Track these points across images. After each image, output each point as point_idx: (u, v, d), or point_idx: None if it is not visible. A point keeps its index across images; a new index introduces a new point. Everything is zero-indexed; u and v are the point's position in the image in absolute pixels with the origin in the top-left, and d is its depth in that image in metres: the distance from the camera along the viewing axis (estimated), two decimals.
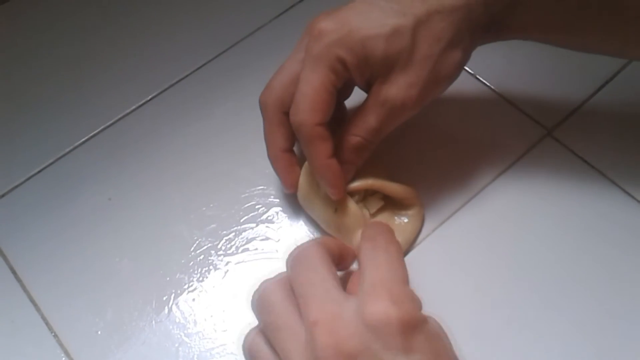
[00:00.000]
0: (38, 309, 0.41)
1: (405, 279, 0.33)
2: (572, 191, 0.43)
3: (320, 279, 0.32)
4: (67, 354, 0.40)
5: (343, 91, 0.40)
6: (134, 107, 0.50)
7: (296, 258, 0.34)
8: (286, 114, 0.38)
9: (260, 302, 0.33)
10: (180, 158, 0.47)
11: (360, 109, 0.38)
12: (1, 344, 0.40)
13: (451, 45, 0.36)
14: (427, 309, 0.32)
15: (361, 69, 0.36)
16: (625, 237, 0.41)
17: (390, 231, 0.37)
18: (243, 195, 0.45)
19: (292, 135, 0.40)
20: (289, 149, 0.41)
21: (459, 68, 0.38)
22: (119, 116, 0.49)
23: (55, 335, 0.40)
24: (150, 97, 0.50)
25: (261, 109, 0.40)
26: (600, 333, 0.38)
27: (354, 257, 0.38)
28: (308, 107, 0.36)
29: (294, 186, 0.41)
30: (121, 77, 0.51)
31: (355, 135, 0.38)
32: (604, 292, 0.39)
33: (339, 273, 0.35)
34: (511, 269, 0.40)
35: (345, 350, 0.29)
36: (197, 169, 0.46)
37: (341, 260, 0.37)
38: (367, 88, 0.38)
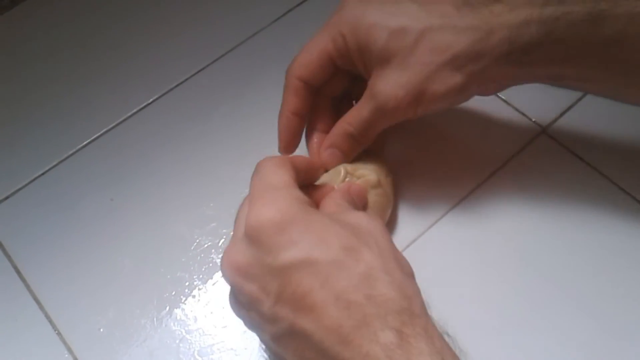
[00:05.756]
0: (42, 308, 0.42)
1: (277, 186, 0.33)
2: (567, 188, 0.43)
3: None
4: (70, 351, 0.40)
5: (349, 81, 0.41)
6: (135, 110, 0.51)
7: (256, 168, 0.35)
8: (303, 81, 0.40)
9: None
10: (180, 159, 0.48)
11: (360, 100, 0.39)
12: (6, 342, 0.41)
13: (454, 63, 0.36)
14: None
15: (361, 53, 0.37)
16: (621, 233, 0.41)
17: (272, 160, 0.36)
18: (242, 195, 0.45)
19: (305, 103, 0.40)
20: (298, 114, 0.41)
21: (457, 92, 0.37)
22: (121, 119, 0.50)
23: (59, 333, 0.41)
24: (151, 100, 0.51)
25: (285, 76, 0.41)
26: (595, 328, 0.38)
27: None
28: (298, 61, 0.39)
29: (287, 148, 0.41)
30: (122, 81, 0.52)
31: (347, 123, 0.39)
32: (599, 289, 0.39)
33: None
34: (505, 267, 0.41)
35: (236, 266, 0.31)
36: (197, 169, 0.47)
37: (308, 175, 0.37)
38: (368, 77, 0.38)
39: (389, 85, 0.37)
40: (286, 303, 0.30)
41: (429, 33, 0.36)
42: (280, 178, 0.33)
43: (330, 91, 0.42)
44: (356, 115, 0.39)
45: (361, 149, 0.41)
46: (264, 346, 0.39)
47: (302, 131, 0.42)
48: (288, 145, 0.41)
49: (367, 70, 0.38)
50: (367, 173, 0.40)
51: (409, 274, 0.32)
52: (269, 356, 0.39)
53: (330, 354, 0.29)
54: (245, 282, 0.31)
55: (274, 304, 0.30)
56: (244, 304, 0.32)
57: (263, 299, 0.31)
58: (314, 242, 0.30)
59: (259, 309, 0.31)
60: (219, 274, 0.42)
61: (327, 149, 0.40)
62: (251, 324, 0.33)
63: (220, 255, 0.43)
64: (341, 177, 0.40)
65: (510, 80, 0.38)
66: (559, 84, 0.39)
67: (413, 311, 0.30)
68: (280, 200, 0.32)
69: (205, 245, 0.44)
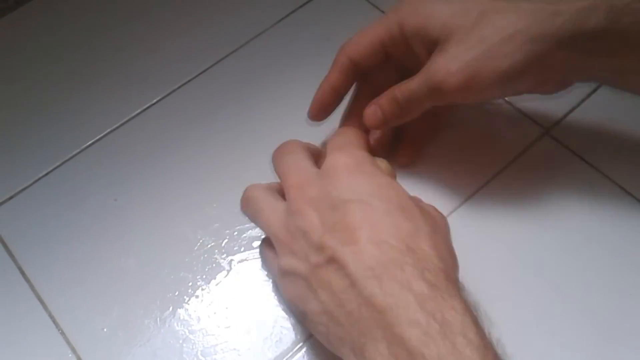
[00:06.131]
0: (45, 308, 0.42)
1: (355, 143, 0.38)
2: (571, 190, 0.43)
3: (298, 159, 0.38)
4: (74, 351, 0.40)
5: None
6: (138, 110, 0.51)
7: (278, 149, 0.40)
8: (351, 60, 0.41)
9: (245, 199, 0.39)
10: (184, 160, 0.48)
11: None
12: (10, 342, 0.41)
13: (514, 41, 0.35)
14: None
15: (420, 37, 0.38)
16: (624, 234, 0.41)
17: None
18: None
19: (346, 82, 0.42)
20: (337, 90, 0.42)
21: (512, 75, 0.36)
22: (124, 120, 0.50)
23: (63, 333, 0.41)
24: (155, 100, 0.51)
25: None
26: (596, 330, 0.38)
27: None
28: (351, 41, 0.41)
29: (316, 117, 0.43)
30: (126, 82, 0.52)
31: (396, 88, 0.40)
32: (601, 291, 0.39)
33: None
34: (506, 269, 0.41)
35: (308, 196, 0.34)
36: (201, 170, 0.47)
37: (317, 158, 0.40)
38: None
39: (443, 60, 0.37)
40: (335, 234, 0.32)
41: (491, 12, 0.36)
42: (359, 141, 0.39)
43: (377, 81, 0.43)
44: (406, 83, 0.39)
45: (401, 121, 0.41)
46: (269, 343, 0.39)
47: (334, 107, 0.43)
48: (317, 114, 0.43)
49: (427, 54, 0.38)
50: None
51: (452, 271, 0.33)
52: (271, 356, 0.39)
53: (359, 286, 0.30)
54: (308, 209, 0.34)
55: (325, 233, 0.32)
56: (296, 230, 0.34)
57: (317, 227, 0.33)
58: (376, 193, 0.33)
59: (310, 237, 0.33)
60: (222, 274, 0.42)
61: (371, 106, 0.41)
62: (292, 254, 0.34)
63: (223, 256, 0.43)
64: None
65: (572, 72, 0.37)
66: (619, 84, 0.39)
67: (449, 275, 0.31)
68: (357, 154, 0.36)
69: (209, 246, 0.44)
